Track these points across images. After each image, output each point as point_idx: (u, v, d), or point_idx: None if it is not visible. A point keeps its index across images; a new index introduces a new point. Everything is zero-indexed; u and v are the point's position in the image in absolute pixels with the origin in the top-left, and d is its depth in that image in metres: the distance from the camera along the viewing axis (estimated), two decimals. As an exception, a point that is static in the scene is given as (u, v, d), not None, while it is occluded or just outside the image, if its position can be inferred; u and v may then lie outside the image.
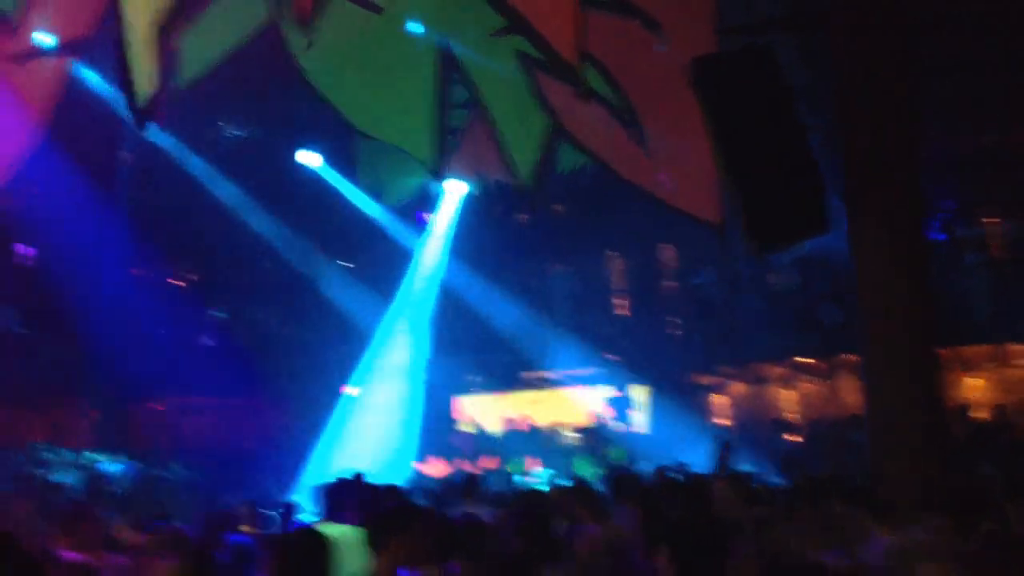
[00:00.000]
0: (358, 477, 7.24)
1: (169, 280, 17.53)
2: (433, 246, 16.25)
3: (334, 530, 4.58)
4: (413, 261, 16.47)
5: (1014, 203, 14.34)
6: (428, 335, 16.75)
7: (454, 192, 15.02)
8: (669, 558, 3.38)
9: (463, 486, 8.33)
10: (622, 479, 7.29)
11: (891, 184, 6.77)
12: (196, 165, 14.29)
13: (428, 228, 16.13)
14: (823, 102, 7.58)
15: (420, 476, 13.52)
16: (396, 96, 10.27)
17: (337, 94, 9.95)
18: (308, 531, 3.76)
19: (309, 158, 14.66)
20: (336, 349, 17.51)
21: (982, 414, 13.03)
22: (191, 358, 16.88)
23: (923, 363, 6.70)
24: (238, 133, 14.76)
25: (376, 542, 3.86)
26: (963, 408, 13.25)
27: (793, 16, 8.63)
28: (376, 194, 14.18)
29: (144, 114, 7.02)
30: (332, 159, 14.55)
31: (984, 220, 14.32)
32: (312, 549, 3.42)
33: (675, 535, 4.01)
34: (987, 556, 3.10)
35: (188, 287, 17.56)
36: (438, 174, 10.81)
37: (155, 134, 12.60)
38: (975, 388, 15.25)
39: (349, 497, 4.87)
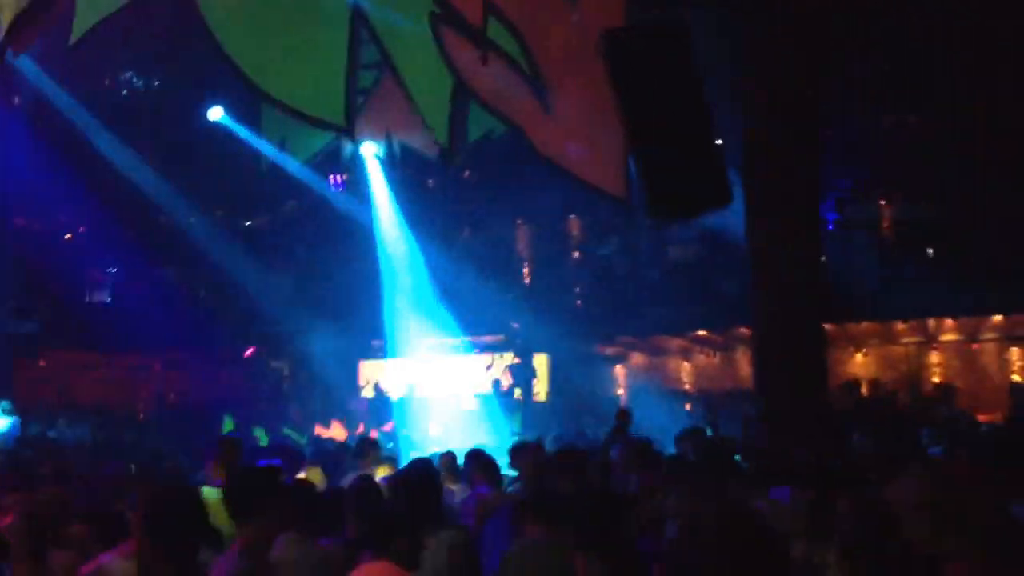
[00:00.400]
0: (234, 438, 7.14)
1: (65, 236, 16.98)
2: (385, 223, 15.98)
3: (211, 493, 4.50)
4: (378, 244, 16.07)
5: (904, 184, 14.84)
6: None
7: (370, 155, 14.81)
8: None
9: (359, 450, 8.31)
10: (518, 447, 7.38)
11: (788, 163, 6.95)
12: (86, 115, 13.74)
13: (372, 204, 15.88)
14: (727, 80, 7.71)
15: (319, 440, 13.42)
16: (308, 56, 10.03)
17: (243, 52, 9.67)
18: (177, 487, 3.57)
19: (212, 112, 14.27)
20: (237, 311, 17.24)
21: (867, 389, 13.53)
22: (81, 313, 16.39)
23: (811, 338, 6.93)
24: (137, 84, 14.29)
25: (237, 512, 3.60)
26: (850, 383, 13.75)
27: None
28: (283, 150, 13.86)
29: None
30: (237, 112, 14.14)
31: (875, 200, 14.79)
32: (181, 503, 3.25)
33: (564, 506, 4.10)
34: (846, 531, 3.22)
35: (78, 240, 17.00)
36: (351, 136, 10.59)
37: (47, 84, 12.15)
38: (861, 364, 15.85)
39: (231, 460, 4.77)
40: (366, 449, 8.19)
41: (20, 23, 7.09)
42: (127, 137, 14.66)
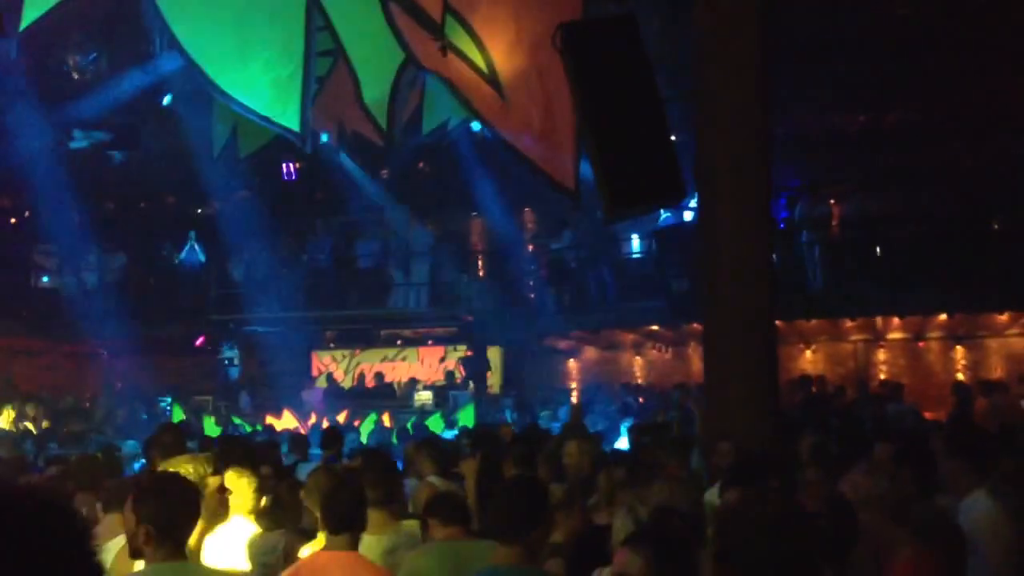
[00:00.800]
0: (173, 426, 7.06)
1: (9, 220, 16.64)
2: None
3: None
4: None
5: (853, 182, 15.05)
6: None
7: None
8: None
9: (325, 439, 8.28)
10: (476, 436, 7.37)
11: (740, 160, 6.99)
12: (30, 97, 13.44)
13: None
14: (681, 74, 7.76)
15: (272, 430, 13.30)
16: (264, 53, 9.83)
17: (197, 44, 9.47)
18: (171, 473, 3.52)
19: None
20: (188, 299, 17.05)
21: (815, 385, 13.72)
22: (26, 298, 16.07)
23: (761, 335, 6.98)
24: (87, 64, 13.99)
25: None
26: (800, 379, 13.94)
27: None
28: (232, 140, 13.64)
29: None
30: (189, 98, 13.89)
31: (824, 200, 14.96)
32: (177, 488, 3.24)
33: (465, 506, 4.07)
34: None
35: (23, 225, 16.69)
36: (304, 142, 10.31)
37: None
38: (810, 360, 16.06)
39: (169, 450, 4.69)
40: (330, 440, 8.16)
41: None
42: (74, 120, 14.40)
